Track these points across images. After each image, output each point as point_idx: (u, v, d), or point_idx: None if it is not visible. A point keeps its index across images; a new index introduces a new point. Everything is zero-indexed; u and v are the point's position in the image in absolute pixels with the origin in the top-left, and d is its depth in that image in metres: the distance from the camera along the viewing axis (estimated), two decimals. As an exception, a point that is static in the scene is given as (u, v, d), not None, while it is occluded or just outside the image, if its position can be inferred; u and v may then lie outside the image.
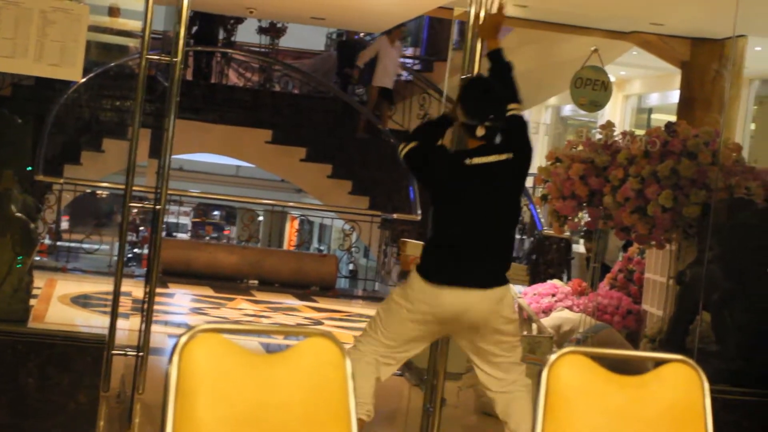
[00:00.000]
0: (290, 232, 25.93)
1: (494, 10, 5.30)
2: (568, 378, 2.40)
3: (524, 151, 4.95)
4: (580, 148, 7.58)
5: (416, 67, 17.56)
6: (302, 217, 24.52)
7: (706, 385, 2.46)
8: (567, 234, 11.42)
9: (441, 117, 5.15)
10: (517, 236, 13.88)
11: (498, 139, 4.92)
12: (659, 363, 2.54)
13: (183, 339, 2.21)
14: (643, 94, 19.32)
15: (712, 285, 6.30)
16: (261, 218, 19.63)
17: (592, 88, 6.98)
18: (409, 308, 4.84)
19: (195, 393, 2.16)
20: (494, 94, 4.96)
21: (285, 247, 23.58)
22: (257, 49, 17.20)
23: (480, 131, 4.85)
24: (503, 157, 4.86)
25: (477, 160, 4.84)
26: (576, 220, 7.73)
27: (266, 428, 2.17)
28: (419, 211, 13.05)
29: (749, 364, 6.00)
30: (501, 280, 4.88)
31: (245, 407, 2.19)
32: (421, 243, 8.30)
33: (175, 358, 2.19)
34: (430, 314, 4.82)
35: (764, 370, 5.96)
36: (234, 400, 2.18)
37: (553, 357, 2.40)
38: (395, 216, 12.93)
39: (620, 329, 8.70)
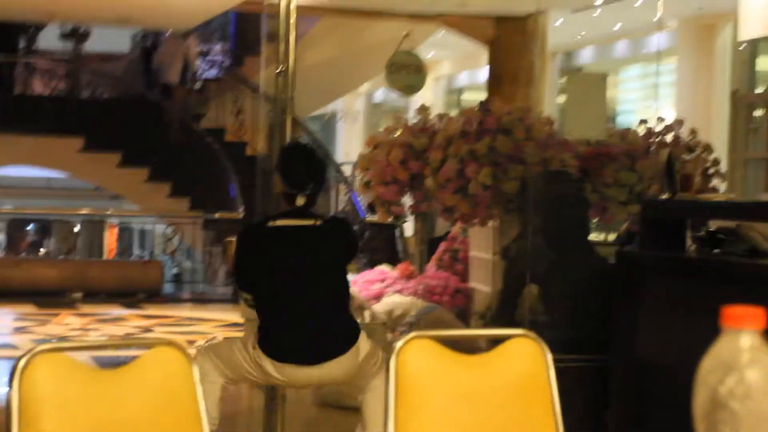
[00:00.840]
0: (110, 240, 25.37)
1: None
2: (416, 362, 2.41)
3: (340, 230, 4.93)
4: (399, 132, 7.65)
5: (226, 64, 17.41)
6: (121, 225, 24.04)
7: (549, 357, 2.52)
8: (390, 219, 11.54)
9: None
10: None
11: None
12: (499, 340, 2.58)
13: (21, 362, 2.13)
14: (452, 75, 19.66)
15: (537, 257, 6.46)
16: (77, 229, 19.16)
17: (407, 73, 7.06)
18: (257, 375, 4.68)
19: (39, 417, 2.08)
20: (315, 162, 4.86)
21: (105, 256, 23.08)
22: (62, 56, 16.77)
23: (300, 200, 4.70)
24: (310, 222, 4.72)
25: (280, 222, 4.72)
26: (400, 205, 7.80)
27: (117, 445, 2.11)
28: (241, 209, 12.96)
29: (578, 331, 6.17)
30: (350, 340, 4.67)
31: (94, 426, 2.13)
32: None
33: (15, 383, 2.11)
34: (284, 382, 4.73)
35: (592, 336, 6.14)
36: (81, 419, 2.11)
37: (399, 343, 2.42)
38: (217, 216, 12.82)
39: (450, 308, 8.82)
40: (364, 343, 4.70)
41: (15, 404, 2.10)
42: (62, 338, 9.13)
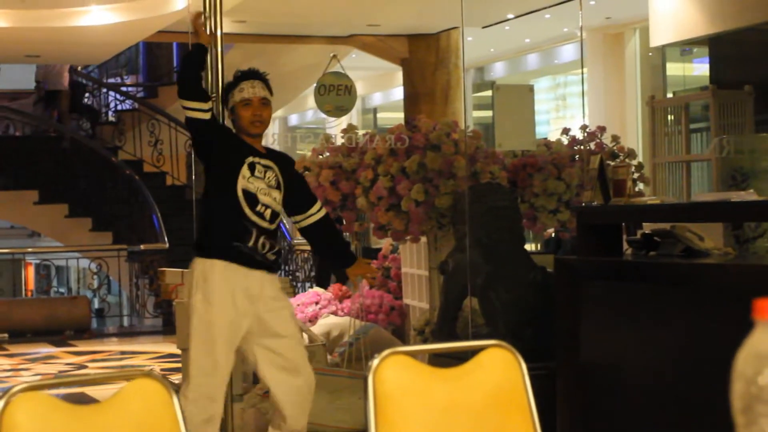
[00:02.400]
0: (27, 278, 24.96)
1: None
2: (393, 379, 2.41)
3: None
4: (327, 154, 7.65)
5: (140, 95, 17.28)
6: (39, 262, 23.67)
7: (524, 366, 2.54)
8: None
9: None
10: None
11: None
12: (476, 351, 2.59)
13: (0, 403, 2.09)
14: (366, 95, 19.75)
15: (475, 270, 6.49)
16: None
17: (336, 94, 7.06)
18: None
19: (24, 459, 2.04)
20: None
21: (23, 295, 22.72)
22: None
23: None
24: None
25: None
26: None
27: (106, 482, 2.08)
28: (165, 239, 12.84)
29: (519, 340, 6.20)
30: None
31: (79, 464, 2.09)
32: (180, 270, 8.18)
33: (-4, 427, 2.07)
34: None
35: (532, 344, 6.19)
36: (67, 458, 2.08)
37: (376, 361, 2.41)
38: (143, 247, 12.68)
39: (386, 326, 8.84)
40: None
41: (-4, 448, 2.06)
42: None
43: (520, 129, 6.86)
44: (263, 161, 4.94)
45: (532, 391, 2.62)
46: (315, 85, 6.84)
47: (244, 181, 4.84)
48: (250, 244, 4.80)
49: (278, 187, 4.96)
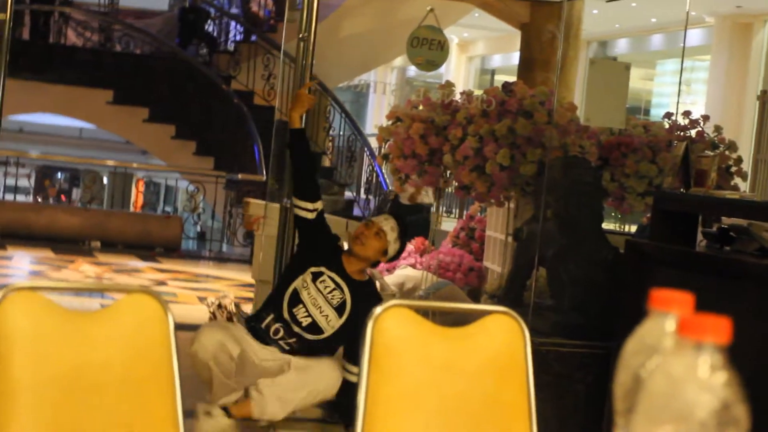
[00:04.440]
0: (136, 194, 25.53)
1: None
2: (393, 330, 2.42)
3: None
4: (421, 107, 7.63)
5: (263, 28, 17.41)
6: (147, 179, 24.16)
7: (528, 336, 2.52)
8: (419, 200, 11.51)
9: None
10: (363, 196, 13.96)
11: None
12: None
13: (-3, 299, 2.16)
14: (486, 56, 19.60)
15: (548, 241, 6.44)
16: (105, 180, 19.27)
17: (428, 48, 7.02)
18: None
19: (10, 354, 2.10)
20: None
21: (131, 209, 23.28)
22: (97, 9, 16.81)
23: None
24: None
25: None
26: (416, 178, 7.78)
27: (85, 387, 2.13)
28: (264, 172, 12.98)
29: (583, 317, 6.16)
30: None
31: (64, 367, 2.15)
32: (264, 202, 8.28)
33: (-10, 319, 2.13)
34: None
35: (596, 323, 6.13)
36: (52, 360, 2.13)
37: (378, 310, 2.42)
38: (240, 177, 12.84)
39: (462, 286, 8.83)
40: None
41: (-13, 339, 2.12)
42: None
43: (610, 106, 6.74)
44: (336, 277, 4.93)
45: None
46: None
47: (299, 281, 4.87)
48: (263, 325, 4.88)
49: (340, 312, 4.93)
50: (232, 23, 16.68)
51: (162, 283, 9.97)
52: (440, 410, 2.46)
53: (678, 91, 11.29)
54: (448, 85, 7.62)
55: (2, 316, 2.12)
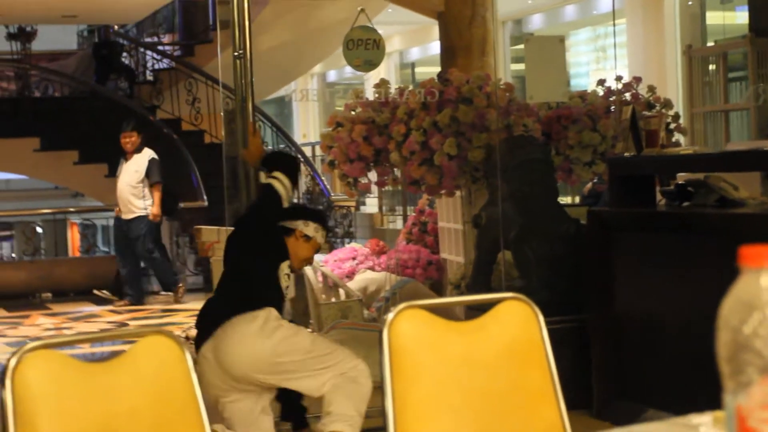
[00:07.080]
0: (73, 238, 25.18)
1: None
2: (409, 333, 2.40)
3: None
4: (359, 109, 7.62)
5: (176, 53, 17.28)
6: (82, 222, 23.86)
7: (541, 318, 2.51)
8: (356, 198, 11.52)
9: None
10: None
11: None
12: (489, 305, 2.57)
13: (12, 361, 2.10)
14: (403, 50, 19.64)
15: (508, 223, 6.46)
16: (39, 229, 18.98)
17: (365, 48, 7.01)
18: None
19: (36, 415, 2.05)
20: None
21: (70, 254, 22.96)
22: (10, 57, 16.56)
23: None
24: None
25: None
26: (365, 181, 7.77)
27: (118, 438, 2.09)
28: (205, 197, 12.89)
29: (555, 293, 6.18)
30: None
31: (91, 421, 2.09)
32: (216, 228, 8.21)
33: (8, 383, 2.08)
34: None
35: (569, 297, 6.16)
36: (79, 416, 2.08)
37: (391, 315, 2.40)
38: (182, 205, 12.71)
39: (424, 281, 8.84)
40: None
41: (9, 404, 2.07)
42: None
43: (551, 81, 6.78)
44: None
45: (551, 344, 2.58)
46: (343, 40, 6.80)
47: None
48: None
49: None
50: (149, 53, 16.54)
51: (123, 324, 9.85)
52: (467, 405, 2.44)
53: (604, 57, 11.41)
54: (383, 84, 7.62)
55: (22, 379, 2.06)
